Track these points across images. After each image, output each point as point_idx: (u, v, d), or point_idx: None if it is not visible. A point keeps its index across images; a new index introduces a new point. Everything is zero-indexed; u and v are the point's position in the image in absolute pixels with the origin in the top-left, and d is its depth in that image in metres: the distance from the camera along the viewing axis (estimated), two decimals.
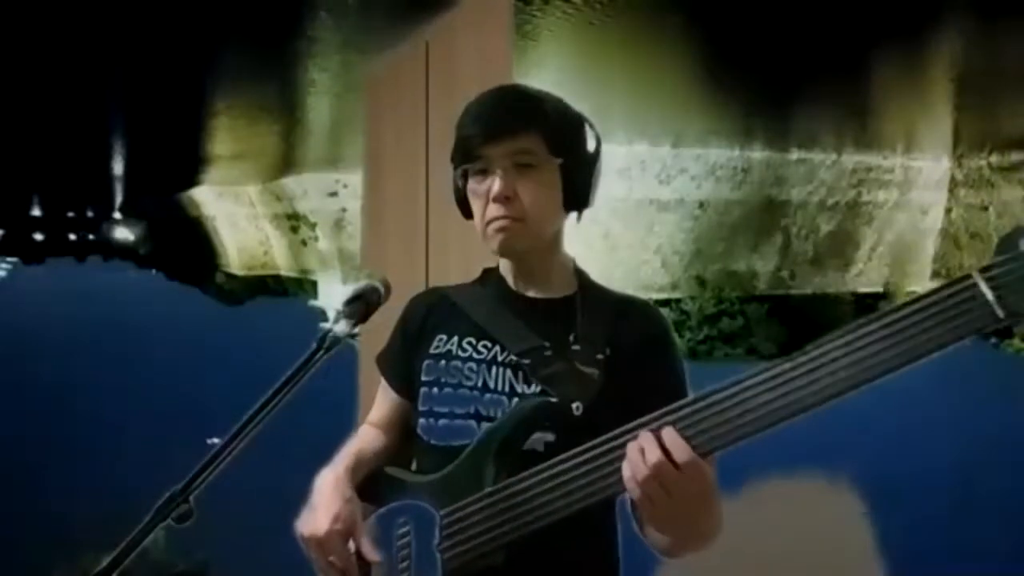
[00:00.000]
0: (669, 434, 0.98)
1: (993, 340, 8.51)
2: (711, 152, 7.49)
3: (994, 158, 7.75)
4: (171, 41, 4.60)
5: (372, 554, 1.18)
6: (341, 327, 1.10)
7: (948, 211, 8.53)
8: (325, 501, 1.19)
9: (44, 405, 7.93)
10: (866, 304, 8.77)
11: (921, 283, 8.78)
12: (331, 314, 1.16)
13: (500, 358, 1.22)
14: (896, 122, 6.89)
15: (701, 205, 7.99)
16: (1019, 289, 0.85)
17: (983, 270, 0.86)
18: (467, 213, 1.27)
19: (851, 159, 7.87)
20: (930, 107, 6.30)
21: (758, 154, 7.57)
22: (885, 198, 8.47)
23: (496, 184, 1.17)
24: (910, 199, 8.50)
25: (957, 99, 5.85)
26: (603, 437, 1.04)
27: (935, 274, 8.84)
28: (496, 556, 1.10)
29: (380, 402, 1.36)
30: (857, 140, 7.47)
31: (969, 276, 0.86)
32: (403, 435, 1.34)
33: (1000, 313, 0.85)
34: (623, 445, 1.01)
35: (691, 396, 1.00)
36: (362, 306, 1.14)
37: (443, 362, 1.25)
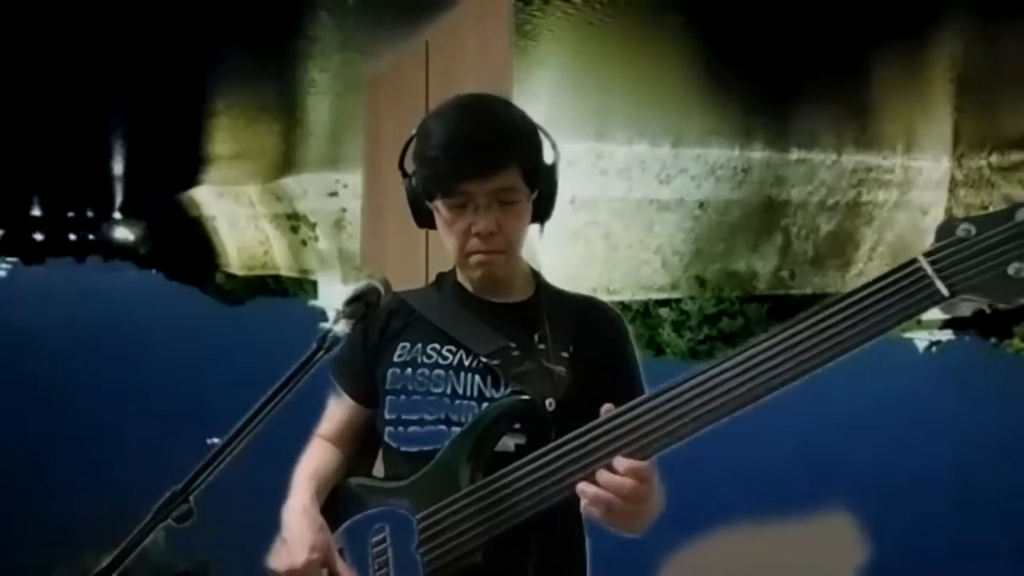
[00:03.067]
0: (620, 462, 1.02)
1: (993, 340, 8.50)
2: (711, 152, 7.46)
3: (994, 158, 7.74)
4: (171, 41, 4.60)
5: (347, 573, 1.19)
6: (341, 327, 1.10)
7: (948, 211, 8.50)
8: (298, 532, 1.19)
9: (44, 405, 7.92)
10: None
11: None
12: (331, 314, 1.16)
13: (466, 363, 1.23)
14: (896, 122, 6.88)
15: (701, 205, 7.97)
16: (959, 270, 0.93)
17: (926, 254, 0.94)
18: (421, 220, 1.28)
19: (851, 159, 7.85)
20: (930, 107, 6.30)
21: (758, 154, 7.56)
22: (885, 198, 8.45)
23: (481, 222, 1.19)
24: (910, 199, 8.48)
25: (957, 99, 5.84)
26: (573, 433, 1.06)
27: None
28: (475, 555, 1.11)
29: (333, 412, 1.34)
30: (857, 140, 7.46)
31: (915, 260, 0.94)
32: (360, 445, 1.33)
33: (945, 291, 0.93)
34: (594, 439, 1.04)
35: (669, 382, 1.03)
36: (362, 306, 1.14)
37: (408, 370, 1.25)
